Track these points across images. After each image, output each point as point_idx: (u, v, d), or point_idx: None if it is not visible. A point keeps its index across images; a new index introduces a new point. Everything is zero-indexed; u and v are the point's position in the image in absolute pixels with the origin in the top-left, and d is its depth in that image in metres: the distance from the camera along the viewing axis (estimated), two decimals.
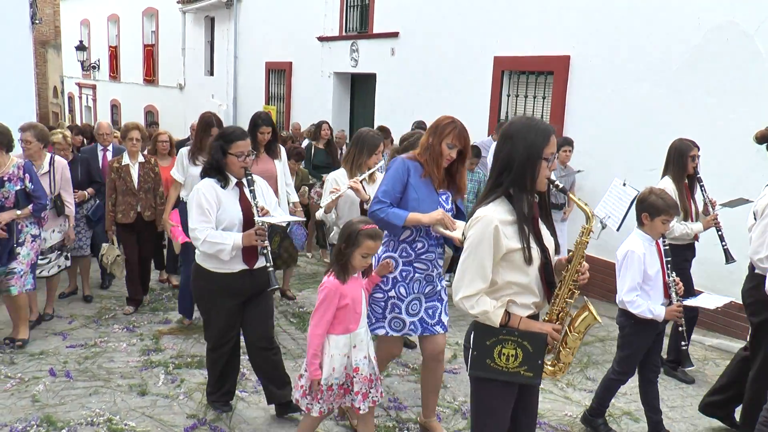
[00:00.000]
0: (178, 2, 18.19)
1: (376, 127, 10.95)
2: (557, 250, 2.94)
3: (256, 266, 4.12)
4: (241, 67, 16.35)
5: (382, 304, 3.98)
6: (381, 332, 4.03)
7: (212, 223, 3.93)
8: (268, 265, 4.00)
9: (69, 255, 6.44)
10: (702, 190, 5.40)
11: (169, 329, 6.18)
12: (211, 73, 17.93)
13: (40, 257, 5.91)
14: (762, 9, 6.20)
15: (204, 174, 4.07)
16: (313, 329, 3.58)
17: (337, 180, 4.92)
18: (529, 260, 2.72)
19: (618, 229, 3.76)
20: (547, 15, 8.35)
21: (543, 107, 8.64)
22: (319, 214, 5.03)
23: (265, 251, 3.97)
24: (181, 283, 6.34)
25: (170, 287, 7.53)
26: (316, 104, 13.28)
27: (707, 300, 4.44)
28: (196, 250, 4.10)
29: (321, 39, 13.02)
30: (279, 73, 14.89)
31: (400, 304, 3.97)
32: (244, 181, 4.06)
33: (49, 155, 6.08)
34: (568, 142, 7.41)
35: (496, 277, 2.76)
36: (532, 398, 3.03)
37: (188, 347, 5.75)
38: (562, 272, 2.85)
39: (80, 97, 27.28)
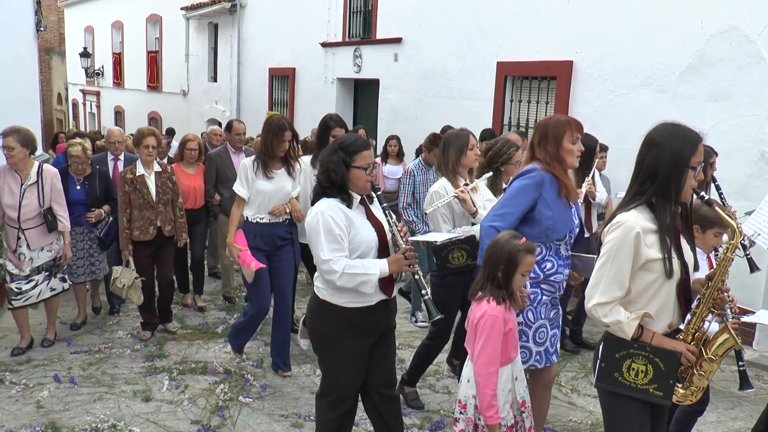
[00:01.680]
0: (181, 9, 18.25)
1: (383, 132, 10.98)
2: (696, 267, 2.81)
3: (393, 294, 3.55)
4: (245, 73, 16.38)
5: None
6: None
7: (346, 251, 3.29)
8: (424, 292, 3.38)
9: (66, 277, 5.85)
10: (721, 198, 5.23)
11: (173, 335, 6.18)
12: (215, 80, 17.97)
13: (24, 281, 5.47)
14: (765, 14, 6.19)
15: (321, 193, 3.40)
16: (485, 367, 3.14)
17: (447, 189, 4.43)
18: (669, 273, 2.60)
19: None
20: (551, 20, 8.36)
21: (546, 112, 8.63)
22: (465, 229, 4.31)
23: (417, 277, 3.38)
24: (247, 315, 5.34)
25: (195, 308, 7.02)
26: (319, 110, 13.23)
27: (766, 316, 4.07)
28: (316, 284, 3.51)
29: (324, 45, 13.05)
30: (282, 79, 14.91)
31: (528, 332, 3.64)
32: (365, 197, 3.51)
33: (37, 164, 5.52)
34: (603, 148, 6.58)
35: (632, 287, 2.64)
36: (661, 419, 2.87)
37: (192, 353, 5.75)
38: (701, 290, 2.74)
39: (84, 104, 27.36)
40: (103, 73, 24.96)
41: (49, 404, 4.70)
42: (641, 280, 2.64)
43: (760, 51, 6.24)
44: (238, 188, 5.05)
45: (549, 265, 3.63)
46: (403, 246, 3.33)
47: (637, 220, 2.60)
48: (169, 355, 5.67)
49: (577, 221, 3.73)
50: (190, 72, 18.93)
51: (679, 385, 2.74)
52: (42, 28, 11.89)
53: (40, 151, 11.75)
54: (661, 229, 2.60)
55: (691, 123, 7.19)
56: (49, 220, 5.47)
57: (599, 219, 6.32)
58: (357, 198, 3.42)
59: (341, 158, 3.33)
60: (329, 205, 3.30)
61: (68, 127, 27.82)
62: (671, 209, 2.63)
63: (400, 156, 8.78)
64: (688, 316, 2.77)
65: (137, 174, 5.83)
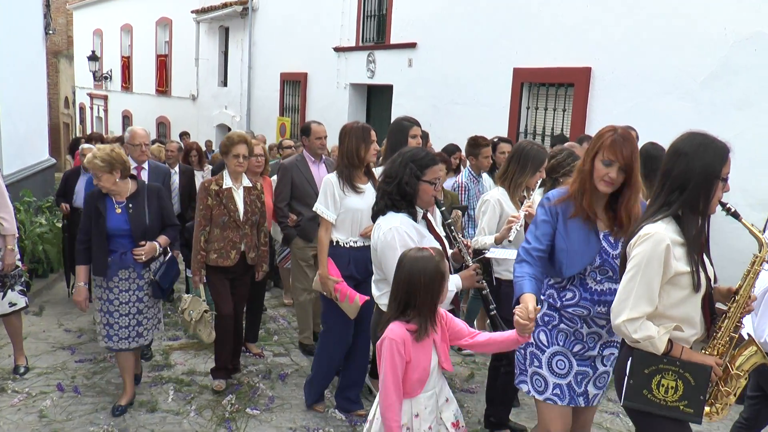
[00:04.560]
0: (192, 12, 18.26)
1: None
2: (715, 280, 2.77)
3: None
4: (256, 77, 16.36)
5: (522, 351, 3.27)
6: (524, 388, 3.28)
7: None
8: (492, 307, 3.44)
9: (25, 290, 5.20)
10: None
11: (180, 345, 6.04)
12: (225, 84, 17.96)
13: None
14: None
15: (391, 206, 3.37)
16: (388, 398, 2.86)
17: (501, 202, 4.19)
18: (697, 286, 2.56)
19: None
20: (568, 26, 8.25)
21: (563, 120, 8.52)
22: (487, 241, 4.02)
23: (484, 292, 3.46)
24: (319, 364, 4.72)
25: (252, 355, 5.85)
26: (331, 116, 13.20)
27: None
28: (382, 302, 3.44)
29: (337, 49, 12.98)
30: (294, 84, 14.87)
31: (539, 355, 3.21)
32: (425, 212, 3.49)
33: None
34: None
35: (658, 301, 2.61)
36: None
37: (199, 363, 5.61)
38: (726, 303, 2.70)
39: (91, 108, 27.46)
40: (111, 76, 25.04)
41: (51, 414, 4.60)
42: (668, 294, 2.60)
43: None
44: (323, 209, 4.40)
45: (570, 294, 3.12)
46: (472, 263, 3.42)
47: (666, 232, 2.56)
48: (174, 366, 5.54)
49: (617, 251, 3.06)
50: (200, 76, 18.94)
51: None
52: (51, 31, 11.84)
53: (45, 155, 11.68)
54: (688, 241, 2.57)
55: (714, 132, 7.06)
56: None
57: None
58: (420, 212, 3.43)
59: (413, 172, 3.32)
60: (402, 221, 3.31)
61: (75, 131, 27.89)
62: (697, 221, 2.60)
63: (458, 170, 7.62)
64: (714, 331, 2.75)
65: (224, 187, 4.91)
